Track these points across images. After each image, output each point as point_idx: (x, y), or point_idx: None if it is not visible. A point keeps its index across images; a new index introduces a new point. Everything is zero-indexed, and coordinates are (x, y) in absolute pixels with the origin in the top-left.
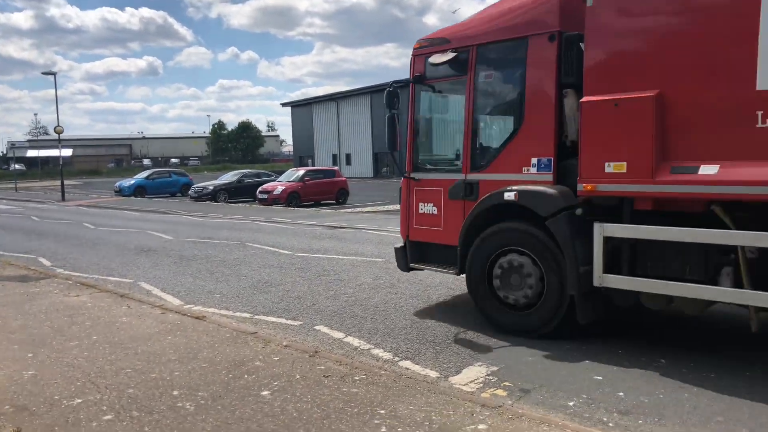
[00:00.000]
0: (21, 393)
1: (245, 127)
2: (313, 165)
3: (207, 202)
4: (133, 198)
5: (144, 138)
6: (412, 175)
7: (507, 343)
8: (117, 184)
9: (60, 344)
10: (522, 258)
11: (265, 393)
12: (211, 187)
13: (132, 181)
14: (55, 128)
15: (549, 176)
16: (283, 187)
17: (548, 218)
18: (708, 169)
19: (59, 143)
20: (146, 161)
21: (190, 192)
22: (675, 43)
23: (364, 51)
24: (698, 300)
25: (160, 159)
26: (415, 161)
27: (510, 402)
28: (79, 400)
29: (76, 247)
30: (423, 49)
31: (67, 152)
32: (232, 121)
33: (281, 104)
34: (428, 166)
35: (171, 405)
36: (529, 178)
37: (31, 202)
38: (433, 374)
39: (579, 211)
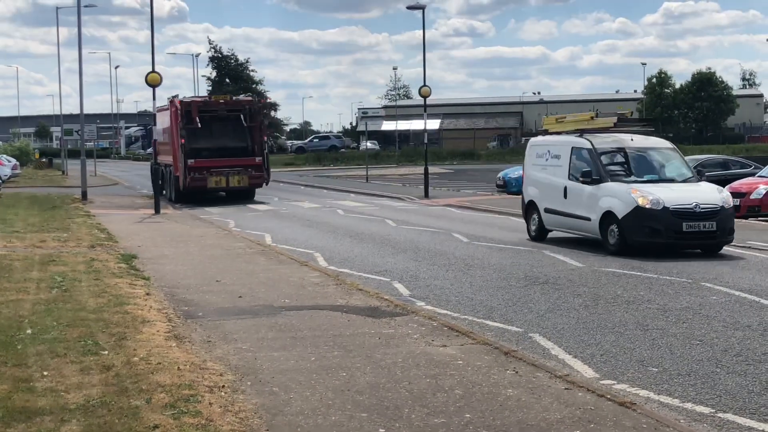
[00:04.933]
0: None
1: (704, 81)
2: None
3: None
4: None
5: (541, 102)
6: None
7: None
8: (501, 174)
9: (421, 419)
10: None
11: None
12: None
13: (520, 171)
14: (420, 89)
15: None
16: None
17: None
18: (162, 158)
19: (425, 112)
20: None
21: None
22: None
23: None
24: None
25: None
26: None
27: None
28: None
29: (443, 269)
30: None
31: (434, 124)
32: (682, 72)
33: None
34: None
35: None
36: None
37: (384, 198)
38: None
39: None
